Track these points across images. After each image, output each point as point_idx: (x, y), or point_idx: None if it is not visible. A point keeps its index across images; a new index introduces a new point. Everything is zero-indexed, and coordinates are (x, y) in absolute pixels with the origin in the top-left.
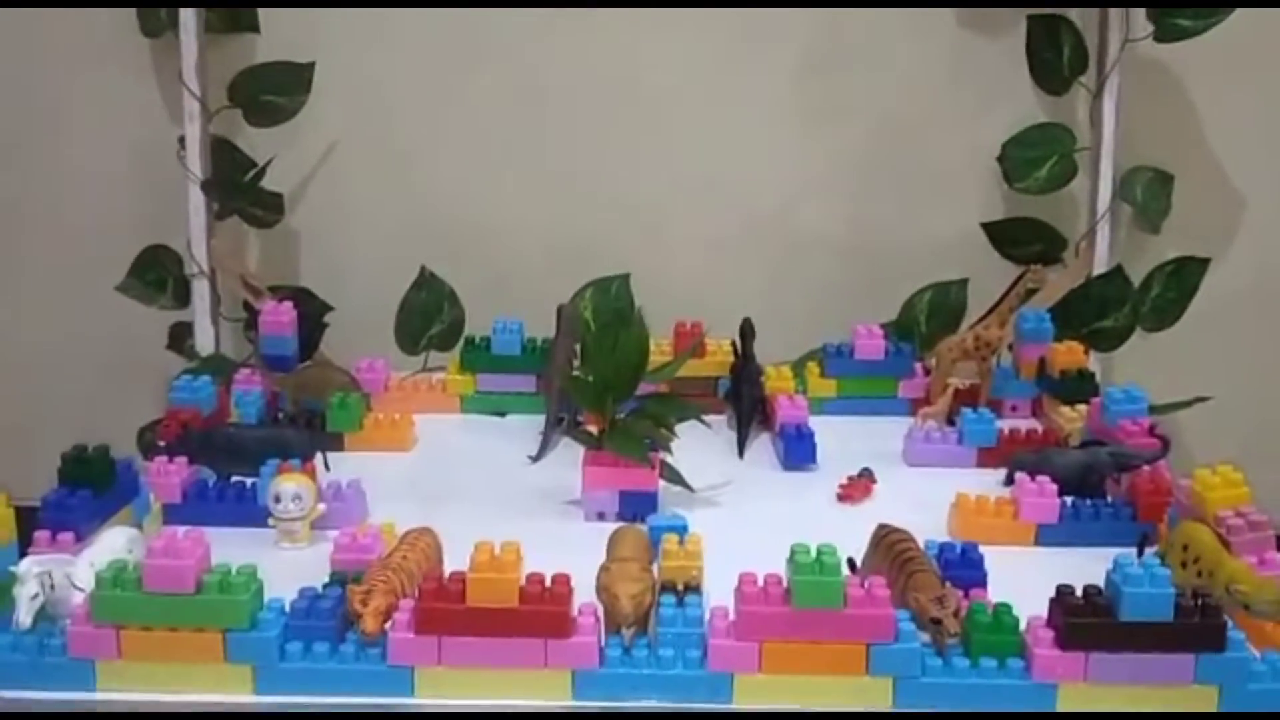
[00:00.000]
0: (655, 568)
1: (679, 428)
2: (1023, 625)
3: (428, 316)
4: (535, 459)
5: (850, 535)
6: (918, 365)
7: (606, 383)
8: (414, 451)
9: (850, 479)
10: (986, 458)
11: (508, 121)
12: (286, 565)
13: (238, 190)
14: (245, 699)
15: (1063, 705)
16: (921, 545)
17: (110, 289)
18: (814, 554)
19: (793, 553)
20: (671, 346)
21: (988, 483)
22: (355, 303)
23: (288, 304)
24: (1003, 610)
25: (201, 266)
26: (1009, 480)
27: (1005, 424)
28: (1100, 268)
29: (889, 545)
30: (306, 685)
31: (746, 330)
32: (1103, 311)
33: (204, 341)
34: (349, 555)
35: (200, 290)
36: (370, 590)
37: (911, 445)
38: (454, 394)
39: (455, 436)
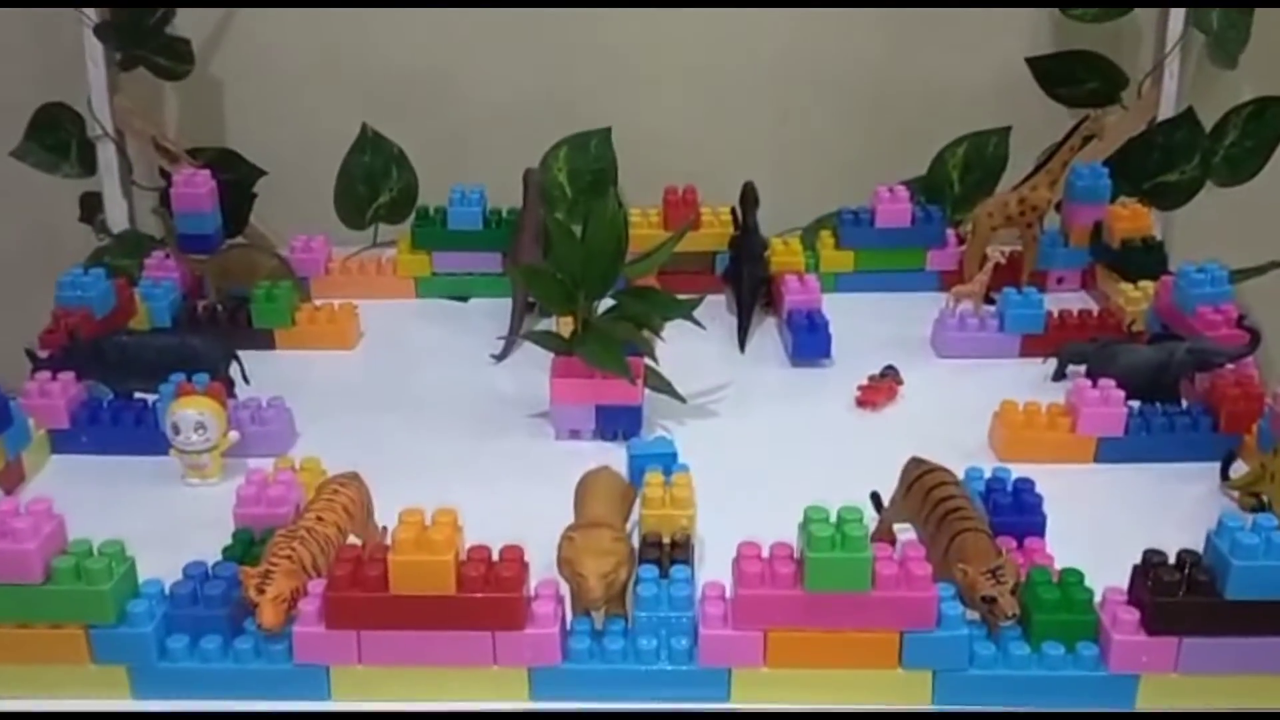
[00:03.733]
0: (636, 512)
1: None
2: (1096, 597)
3: (373, 183)
4: (499, 358)
5: (872, 452)
6: (950, 232)
7: (575, 277)
8: (357, 349)
9: (871, 379)
10: (1032, 346)
11: None
12: (194, 506)
13: (139, 35)
14: (121, 705)
15: (1143, 702)
16: (961, 477)
17: (5, 155)
18: (833, 522)
19: (806, 519)
20: (660, 216)
21: (1034, 379)
22: (289, 167)
23: (205, 173)
24: (1071, 580)
25: (105, 127)
26: (1059, 375)
27: (1052, 303)
28: (1167, 111)
29: (926, 491)
30: (195, 688)
31: (748, 196)
32: (1168, 163)
33: (116, 216)
34: (256, 510)
35: (107, 155)
36: (269, 573)
37: (943, 333)
38: (406, 276)
39: (407, 329)
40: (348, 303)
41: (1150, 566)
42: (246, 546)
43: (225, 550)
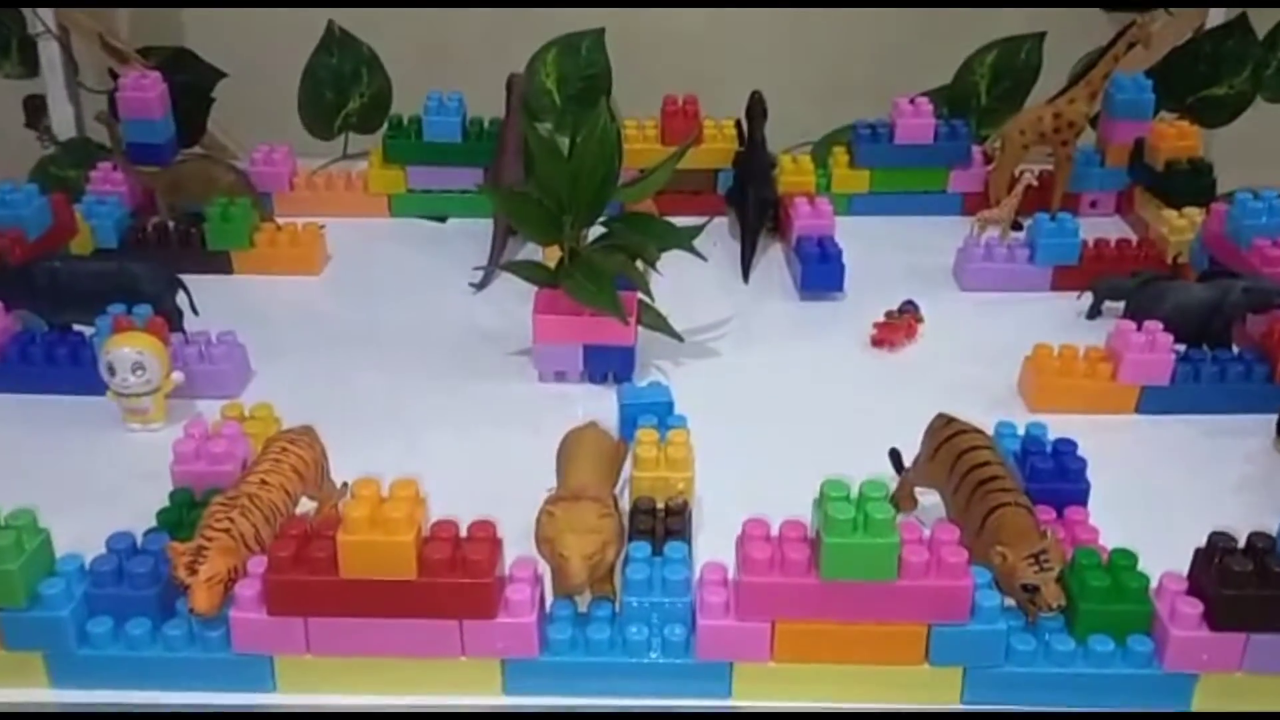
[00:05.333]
0: (627, 470)
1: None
2: (1152, 583)
3: (341, 89)
4: (479, 288)
5: (889, 398)
6: (976, 150)
7: (560, 201)
8: (323, 275)
9: (888, 315)
10: (1065, 279)
11: None
12: (134, 454)
13: None
14: (40, 695)
15: (1200, 703)
16: (991, 432)
17: None
18: (855, 500)
19: (823, 496)
20: (657, 129)
21: (1067, 315)
22: (251, 69)
23: (155, 74)
24: (1122, 564)
25: (46, 23)
26: (1093, 312)
27: (1086, 230)
28: (1217, 17)
29: (956, 455)
30: (121, 678)
31: (756, 108)
32: (1215, 75)
33: (62, 121)
34: (195, 466)
35: (49, 54)
36: (202, 549)
37: (967, 264)
38: (378, 193)
39: (378, 252)
40: (313, 222)
41: (1216, 551)
42: (184, 509)
43: (160, 514)
